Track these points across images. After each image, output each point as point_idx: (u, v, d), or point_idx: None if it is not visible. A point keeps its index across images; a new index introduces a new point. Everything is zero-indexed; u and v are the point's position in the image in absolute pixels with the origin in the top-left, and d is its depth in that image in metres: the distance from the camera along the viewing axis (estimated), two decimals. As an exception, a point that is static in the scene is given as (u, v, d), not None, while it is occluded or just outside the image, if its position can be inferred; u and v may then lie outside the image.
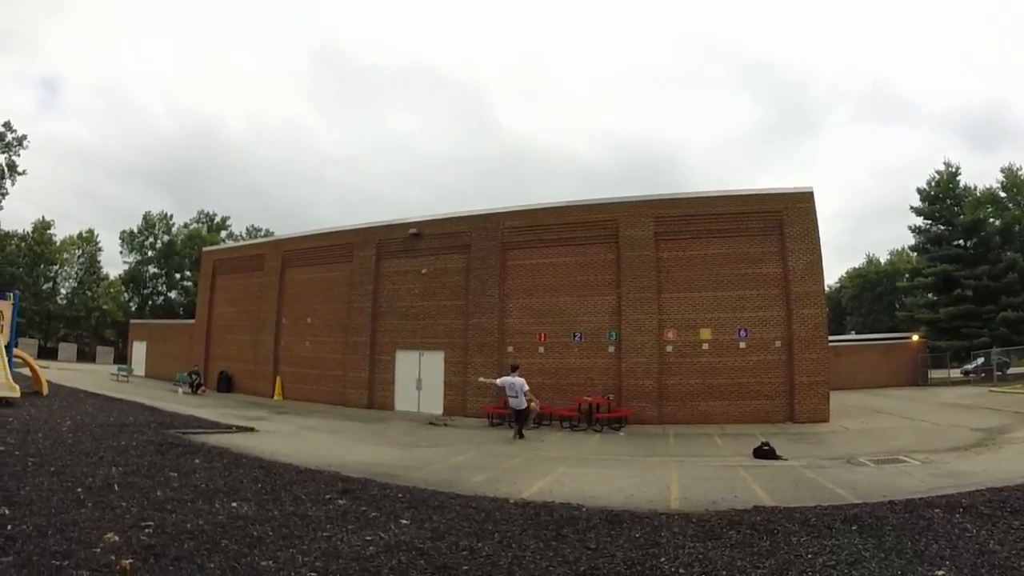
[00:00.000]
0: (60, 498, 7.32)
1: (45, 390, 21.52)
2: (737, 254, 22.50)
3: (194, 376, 33.31)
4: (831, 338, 23.49)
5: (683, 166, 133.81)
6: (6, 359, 18.69)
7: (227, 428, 17.14)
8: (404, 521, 7.33)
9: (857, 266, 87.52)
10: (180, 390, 32.47)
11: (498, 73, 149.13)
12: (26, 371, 24.02)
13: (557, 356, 24.08)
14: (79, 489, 7.80)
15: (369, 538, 6.45)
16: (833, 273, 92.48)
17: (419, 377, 26.98)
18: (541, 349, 24.39)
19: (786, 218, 22.17)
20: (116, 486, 8.12)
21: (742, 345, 21.98)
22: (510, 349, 24.67)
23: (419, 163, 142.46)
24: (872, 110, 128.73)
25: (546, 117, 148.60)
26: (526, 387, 18.79)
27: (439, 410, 25.69)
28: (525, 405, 18.66)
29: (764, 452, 13.68)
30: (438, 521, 7.39)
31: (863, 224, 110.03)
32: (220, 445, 13.16)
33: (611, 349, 23.39)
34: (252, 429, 17.49)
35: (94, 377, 38.55)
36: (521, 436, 17.87)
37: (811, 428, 19.19)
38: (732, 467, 12.49)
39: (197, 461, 10.62)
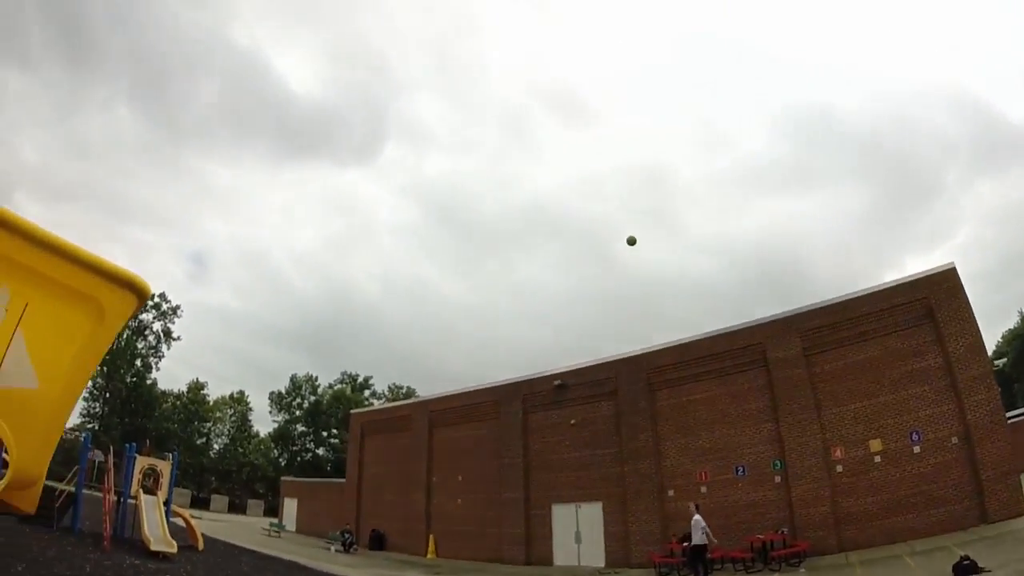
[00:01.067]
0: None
1: (200, 545, 22.14)
2: (892, 352, 21.36)
3: (347, 535, 34.21)
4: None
5: (806, 262, 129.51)
6: (164, 515, 19.52)
7: (386, 590, 17.29)
8: None
9: (1012, 327, 78.76)
10: (333, 548, 33.30)
11: (616, 205, 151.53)
12: (180, 522, 24.85)
13: (721, 494, 23.42)
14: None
15: None
16: (988, 343, 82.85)
17: (577, 530, 26.97)
18: (703, 489, 23.84)
19: (934, 302, 20.82)
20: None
21: (916, 449, 20.37)
22: (670, 493, 24.50)
23: (548, 305, 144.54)
24: (985, 154, 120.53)
25: (665, 239, 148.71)
26: (702, 523, 18.17)
27: (601, 562, 25.51)
28: (704, 542, 17.95)
29: (965, 567, 13.04)
30: None
31: (1004, 280, 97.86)
32: None
33: (777, 479, 22.53)
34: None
35: (246, 531, 39.84)
36: None
37: (1007, 526, 17.47)
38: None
39: None
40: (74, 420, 66.76)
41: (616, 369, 27.46)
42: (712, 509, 22.76)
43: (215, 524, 42.06)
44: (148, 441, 27.51)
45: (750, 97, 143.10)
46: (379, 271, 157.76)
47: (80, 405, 76.20)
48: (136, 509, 19.51)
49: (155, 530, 18.20)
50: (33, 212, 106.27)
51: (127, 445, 23.22)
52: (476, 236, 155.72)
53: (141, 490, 20.15)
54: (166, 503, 21.04)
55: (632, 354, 27.32)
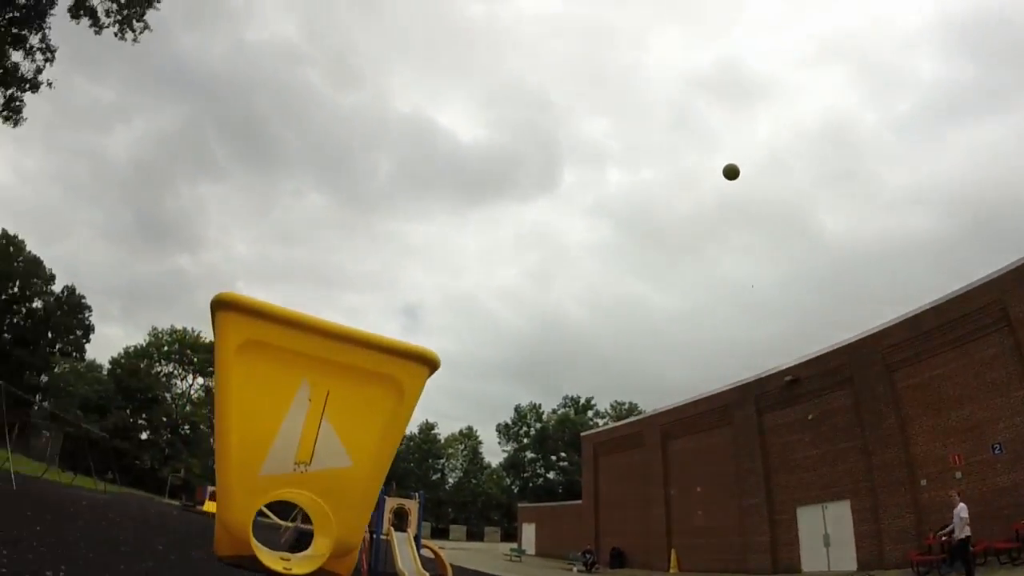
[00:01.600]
0: None
1: (449, 573, 23.28)
2: None
3: (588, 555, 34.58)
4: None
5: None
6: (416, 548, 20.77)
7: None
8: None
9: None
10: (575, 568, 33.84)
11: (805, 176, 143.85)
12: (429, 553, 26.31)
13: (977, 478, 20.75)
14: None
15: None
16: None
17: (825, 531, 25.64)
18: (958, 474, 21.30)
19: None
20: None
21: None
22: (923, 483, 22.38)
23: (760, 296, 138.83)
24: None
25: (864, 201, 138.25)
26: (963, 513, 16.65)
27: (852, 565, 23.91)
28: (969, 534, 16.39)
29: None
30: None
31: None
32: None
33: None
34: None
35: (487, 557, 41.60)
36: None
37: None
38: None
39: None
40: None
41: (847, 355, 25.81)
42: (970, 496, 20.15)
43: (457, 552, 43.91)
44: (394, 484, 29.40)
45: (912, 22, 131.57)
46: (583, 293, 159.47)
47: None
48: (388, 545, 20.67)
49: (408, 563, 19.36)
50: (255, 295, 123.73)
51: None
52: (670, 241, 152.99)
53: (392, 528, 21.22)
54: (416, 538, 22.49)
55: (861, 336, 25.50)
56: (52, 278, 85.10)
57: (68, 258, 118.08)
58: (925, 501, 22.07)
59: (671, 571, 31.30)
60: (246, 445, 2.01)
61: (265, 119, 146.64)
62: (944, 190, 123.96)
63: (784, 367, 28.65)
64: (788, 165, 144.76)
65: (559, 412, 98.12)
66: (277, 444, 2.10)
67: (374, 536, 22.88)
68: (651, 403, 40.95)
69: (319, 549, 2.26)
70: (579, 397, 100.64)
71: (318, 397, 2.21)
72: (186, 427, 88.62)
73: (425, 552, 26.13)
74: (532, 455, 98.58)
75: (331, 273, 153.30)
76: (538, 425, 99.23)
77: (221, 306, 2.00)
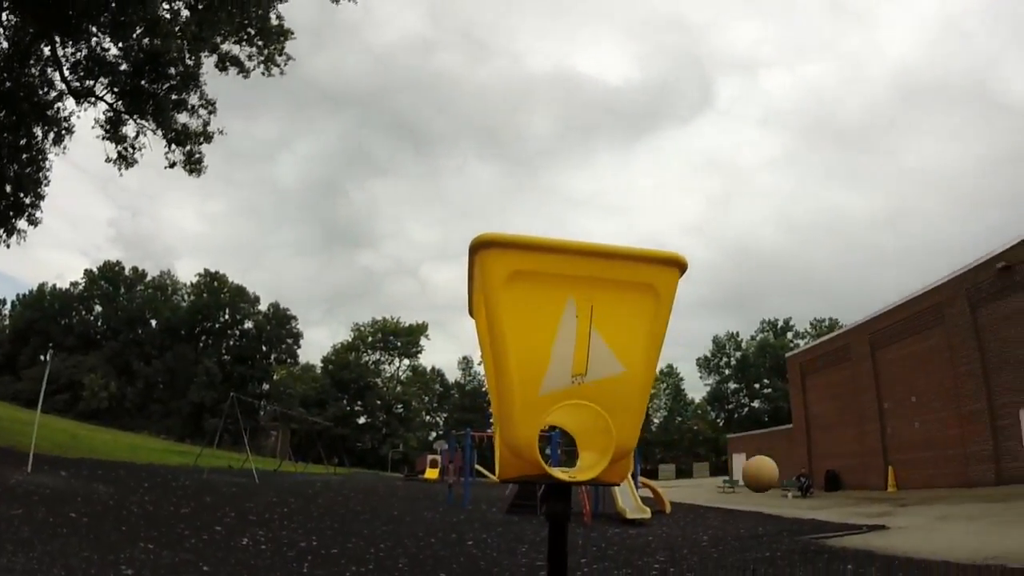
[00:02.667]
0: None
1: (668, 509, 23.16)
2: None
3: (803, 479, 33.01)
4: None
5: None
6: (634, 485, 20.69)
7: (856, 528, 16.11)
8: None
9: None
10: (790, 494, 32.40)
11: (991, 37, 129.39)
12: (649, 493, 26.06)
13: None
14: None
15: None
16: None
17: (1062, 434, 22.72)
18: None
19: None
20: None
21: None
22: None
23: (959, 184, 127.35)
24: None
25: None
26: None
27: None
28: None
29: None
30: None
31: None
32: (861, 547, 12.09)
33: None
34: (882, 527, 16.17)
35: (700, 491, 41.21)
36: None
37: None
38: None
39: (850, 567, 9.60)
40: None
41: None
42: None
43: (669, 490, 43.69)
44: None
45: None
46: (768, 212, 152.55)
47: None
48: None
49: (628, 501, 19.46)
50: (441, 277, 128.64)
51: None
52: (849, 137, 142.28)
53: None
54: (634, 475, 22.57)
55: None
56: (257, 300, 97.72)
57: (269, 280, 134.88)
58: None
59: (889, 490, 29.14)
60: (524, 368, 2.15)
61: (415, 110, 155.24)
62: None
63: (996, 252, 25.37)
64: (968, 30, 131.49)
65: (758, 338, 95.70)
66: (553, 363, 2.18)
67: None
68: (854, 316, 38.41)
69: (588, 461, 2.31)
70: (777, 320, 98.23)
71: (584, 313, 2.29)
72: (399, 407, 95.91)
73: (643, 492, 26.15)
74: (735, 385, 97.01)
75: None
76: (738, 354, 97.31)
77: (483, 246, 2.16)
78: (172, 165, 25.31)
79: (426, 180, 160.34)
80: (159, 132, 24.44)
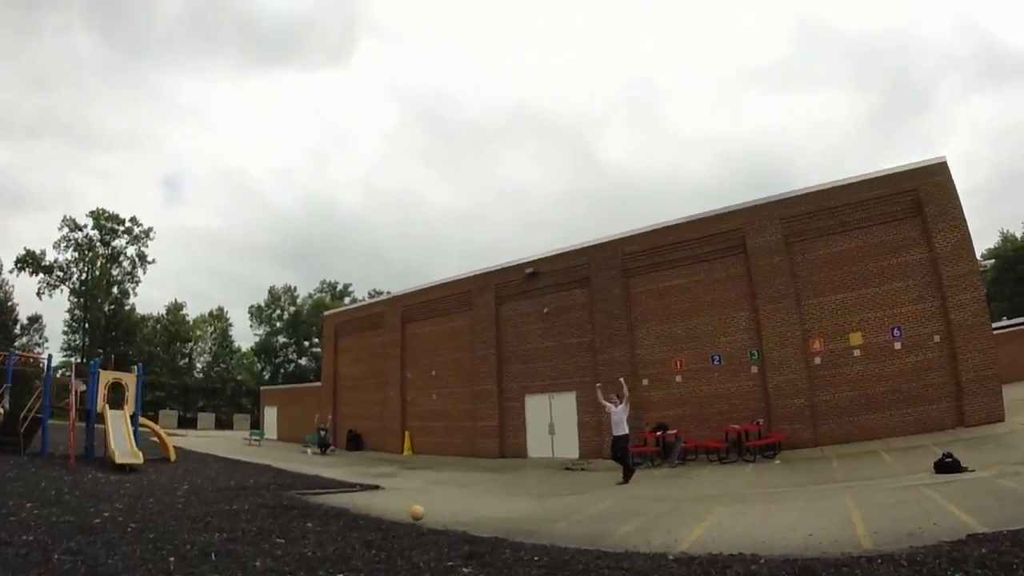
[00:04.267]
0: (148, 568, 6.83)
1: (172, 456, 22.15)
2: (876, 244, 20.25)
3: (322, 433, 33.64)
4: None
5: (800, 166, 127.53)
6: (130, 428, 19.10)
7: (351, 487, 16.89)
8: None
9: (992, 246, 78.30)
10: (310, 451, 32.99)
11: (601, 107, 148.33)
12: (156, 439, 24.64)
13: (696, 384, 22.72)
14: (172, 559, 7.27)
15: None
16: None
17: (551, 421, 26.39)
18: (678, 378, 23.15)
19: (923, 195, 19.55)
20: (214, 555, 7.52)
21: (897, 346, 19.64)
22: (645, 382, 23.73)
23: (537, 208, 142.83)
24: (982, 72, 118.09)
25: (653, 142, 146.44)
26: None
27: (575, 454, 24.93)
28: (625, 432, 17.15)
29: (947, 465, 12.22)
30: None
31: (992, 200, 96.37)
32: (339, 506, 12.59)
33: (754, 369, 21.72)
34: (377, 487, 17.14)
35: (228, 443, 40.17)
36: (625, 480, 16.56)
37: (987, 430, 16.88)
38: (914, 487, 11.10)
39: (309, 525, 9.98)
40: (55, 353, 66.12)
41: (589, 255, 26.27)
42: (687, 398, 22.59)
43: (199, 440, 42.59)
44: (112, 357, 26.94)
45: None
46: (361, 179, 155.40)
47: (60, 338, 80.00)
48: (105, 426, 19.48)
49: (121, 444, 18.29)
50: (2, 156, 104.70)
51: (91, 363, 22.86)
52: (458, 137, 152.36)
53: (107, 405, 20.06)
54: (133, 416, 20.81)
55: (605, 239, 26.00)
56: None
57: None
58: (644, 399, 23.16)
59: (405, 454, 31.11)
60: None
61: None
62: (732, 145, 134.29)
63: (527, 259, 28.55)
64: (586, 93, 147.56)
65: (315, 297, 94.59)
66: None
67: (88, 414, 20.81)
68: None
69: None
70: (337, 283, 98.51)
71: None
72: None
73: (154, 439, 24.45)
74: (285, 340, 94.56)
75: (89, 129, 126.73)
76: (292, 309, 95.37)
77: None
78: None
79: (15, 31, 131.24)
80: None
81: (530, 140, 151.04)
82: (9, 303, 76.94)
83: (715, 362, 22.47)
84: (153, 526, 9.37)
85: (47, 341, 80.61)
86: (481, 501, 14.50)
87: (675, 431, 21.47)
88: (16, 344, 66.84)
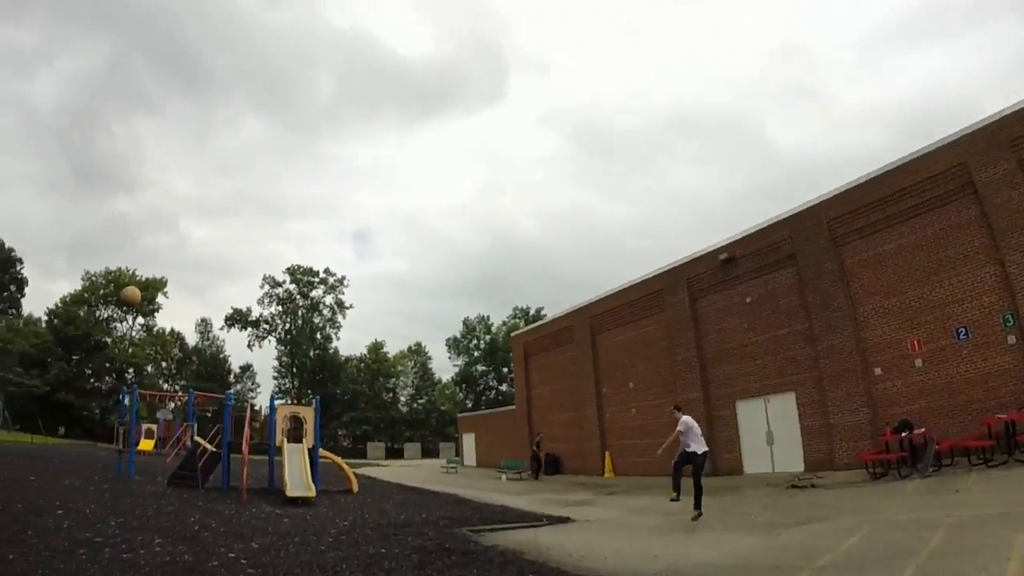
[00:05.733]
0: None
1: (355, 488, 21.61)
2: None
3: (537, 446, 32.60)
4: None
5: (980, 111, 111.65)
6: (308, 461, 18.81)
7: (536, 520, 14.19)
8: None
9: None
10: (504, 477, 31.13)
11: (757, 91, 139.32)
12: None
13: (942, 367, 17.53)
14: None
15: None
16: None
17: (768, 429, 22.60)
18: (918, 362, 18.10)
19: None
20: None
21: None
22: (878, 371, 19.11)
23: (709, 209, 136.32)
24: None
25: (818, 122, 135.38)
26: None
27: (799, 466, 20.86)
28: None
29: None
30: None
31: None
32: (514, 548, 10.02)
33: (1011, 339, 16.24)
34: (567, 519, 14.45)
35: (425, 471, 40.00)
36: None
37: None
38: None
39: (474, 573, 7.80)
40: (266, 397, 71.19)
41: (789, 227, 22.13)
42: (930, 387, 17.61)
43: (400, 470, 42.95)
44: (294, 389, 27.05)
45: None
46: (535, 207, 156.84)
47: (271, 383, 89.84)
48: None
49: (296, 477, 17.93)
50: (200, 234, 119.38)
51: (270, 397, 24.41)
52: (620, 152, 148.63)
53: (285, 439, 19.88)
54: (311, 450, 20.18)
55: (805, 206, 21.70)
56: (-24, 235, 79.40)
57: (4, 215, 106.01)
58: (879, 393, 18.85)
59: (606, 475, 28.36)
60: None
61: (194, 45, 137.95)
62: (900, 109, 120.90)
63: (719, 244, 24.83)
64: (739, 79, 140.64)
65: (509, 323, 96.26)
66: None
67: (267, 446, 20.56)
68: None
69: None
70: (529, 308, 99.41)
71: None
72: (130, 371, 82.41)
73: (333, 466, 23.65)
74: (483, 368, 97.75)
75: (277, 201, 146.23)
76: (487, 337, 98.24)
77: None
78: None
79: (196, 126, 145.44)
80: None
81: (691, 140, 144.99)
82: (221, 355, 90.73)
83: (960, 336, 17.19)
84: (272, 573, 7.76)
85: (259, 387, 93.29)
86: (691, 536, 11.23)
87: (923, 430, 16.69)
88: (231, 390, 73.93)
